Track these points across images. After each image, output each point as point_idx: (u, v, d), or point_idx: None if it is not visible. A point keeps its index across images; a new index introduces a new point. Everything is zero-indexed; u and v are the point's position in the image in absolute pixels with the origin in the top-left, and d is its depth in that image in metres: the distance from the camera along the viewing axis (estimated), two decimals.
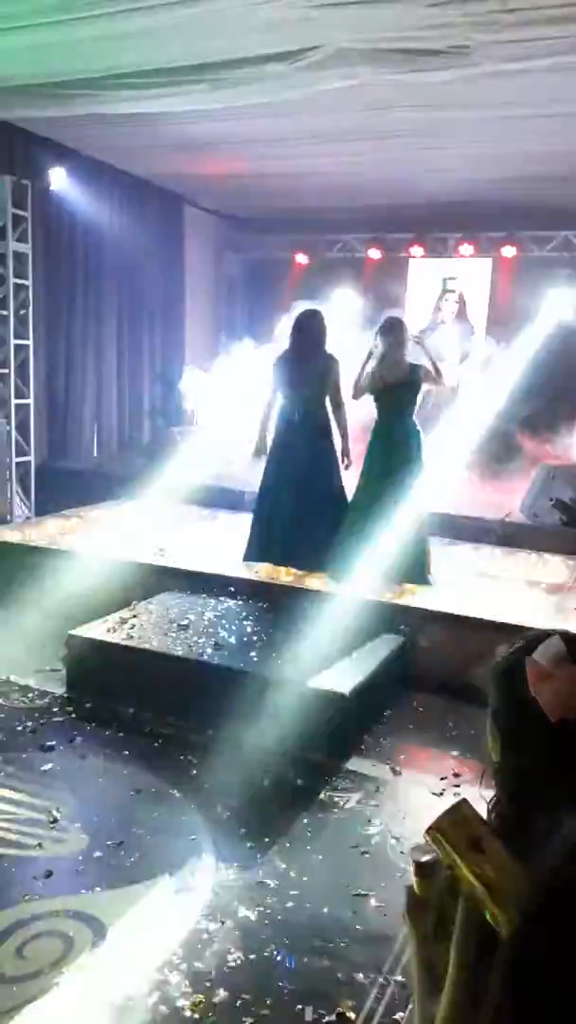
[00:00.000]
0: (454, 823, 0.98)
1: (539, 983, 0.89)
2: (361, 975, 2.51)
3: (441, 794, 3.60)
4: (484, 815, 1.05)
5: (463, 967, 1.00)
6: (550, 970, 0.89)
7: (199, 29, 4.59)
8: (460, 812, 0.99)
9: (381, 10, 4.21)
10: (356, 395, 5.41)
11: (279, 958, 2.57)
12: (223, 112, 6.04)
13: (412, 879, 1.20)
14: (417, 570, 5.34)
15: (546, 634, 1.11)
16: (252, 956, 2.57)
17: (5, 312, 6.89)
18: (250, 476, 8.19)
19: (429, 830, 1.00)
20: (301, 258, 9.87)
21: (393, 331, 5.34)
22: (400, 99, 5.53)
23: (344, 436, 5.47)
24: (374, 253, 9.53)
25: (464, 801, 1.02)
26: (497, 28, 4.28)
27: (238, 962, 2.55)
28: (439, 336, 9.22)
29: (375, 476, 5.34)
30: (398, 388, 5.30)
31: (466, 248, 9.06)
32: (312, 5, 4.21)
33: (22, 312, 7.06)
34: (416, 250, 9.38)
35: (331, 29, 4.50)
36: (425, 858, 1.16)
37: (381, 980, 2.49)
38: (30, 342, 7.16)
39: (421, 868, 1.18)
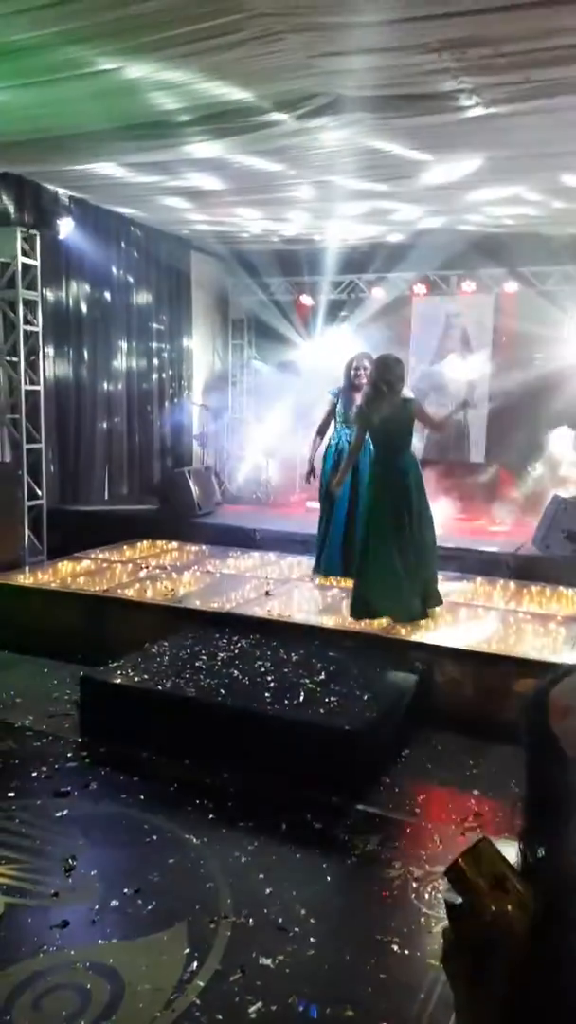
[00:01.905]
0: (474, 862, 0.97)
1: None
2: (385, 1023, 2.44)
3: (463, 835, 3.53)
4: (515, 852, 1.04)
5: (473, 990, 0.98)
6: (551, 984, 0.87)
7: (197, 80, 4.70)
8: (480, 850, 0.98)
9: (378, 58, 4.30)
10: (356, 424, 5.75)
11: (301, 1008, 2.51)
12: (226, 161, 6.17)
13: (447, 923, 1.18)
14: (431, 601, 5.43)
15: (571, 669, 1.11)
16: (274, 1006, 2.51)
17: (16, 359, 6.99)
18: (262, 516, 8.24)
19: (448, 870, 0.98)
20: (306, 299, 9.99)
21: (380, 368, 5.52)
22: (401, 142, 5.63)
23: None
24: (378, 292, 9.64)
25: (485, 839, 1.00)
26: (491, 72, 4.37)
27: (259, 1012, 2.49)
28: (446, 367, 9.34)
29: (376, 512, 5.39)
30: (391, 424, 5.36)
31: (468, 285, 9.16)
32: (311, 54, 4.32)
33: (32, 358, 7.16)
34: (419, 288, 9.48)
35: (330, 77, 4.61)
36: (459, 900, 1.14)
37: None
38: (40, 387, 7.25)
39: (453, 910, 1.15)
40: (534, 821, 1.09)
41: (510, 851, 1.08)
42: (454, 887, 0.98)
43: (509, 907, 0.93)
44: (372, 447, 5.58)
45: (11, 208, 7.11)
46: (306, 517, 8.31)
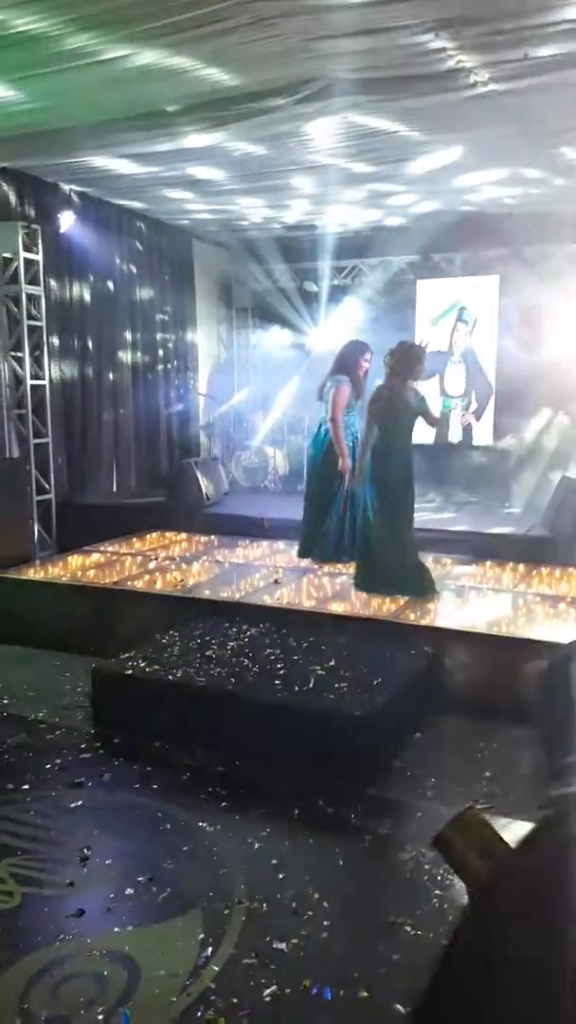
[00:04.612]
0: (461, 831, 0.97)
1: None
2: (400, 1006, 2.46)
3: None
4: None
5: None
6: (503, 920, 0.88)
7: (193, 68, 4.68)
8: (466, 820, 0.98)
9: (374, 40, 4.27)
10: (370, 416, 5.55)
11: (315, 991, 2.53)
12: (226, 150, 6.15)
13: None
14: (422, 583, 5.49)
15: None
16: (288, 989, 2.53)
17: (20, 353, 7.01)
18: (270, 505, 8.24)
19: (436, 840, 0.99)
20: (309, 286, 9.95)
21: (397, 356, 5.44)
22: (401, 122, 5.59)
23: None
24: (381, 276, 9.59)
25: (470, 809, 1.01)
26: (490, 50, 4.33)
27: (273, 995, 2.51)
28: (452, 370, 9.32)
29: (376, 496, 5.44)
30: (403, 417, 5.35)
31: (471, 266, 9.10)
32: (307, 38, 4.29)
33: (37, 353, 7.18)
34: (422, 271, 9.44)
35: (326, 60, 4.58)
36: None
37: None
38: (46, 382, 7.27)
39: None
40: (565, 780, 1.10)
41: (515, 828, 1.08)
42: (442, 856, 0.99)
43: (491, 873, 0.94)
44: (376, 434, 5.49)
45: (13, 202, 7.12)
46: None
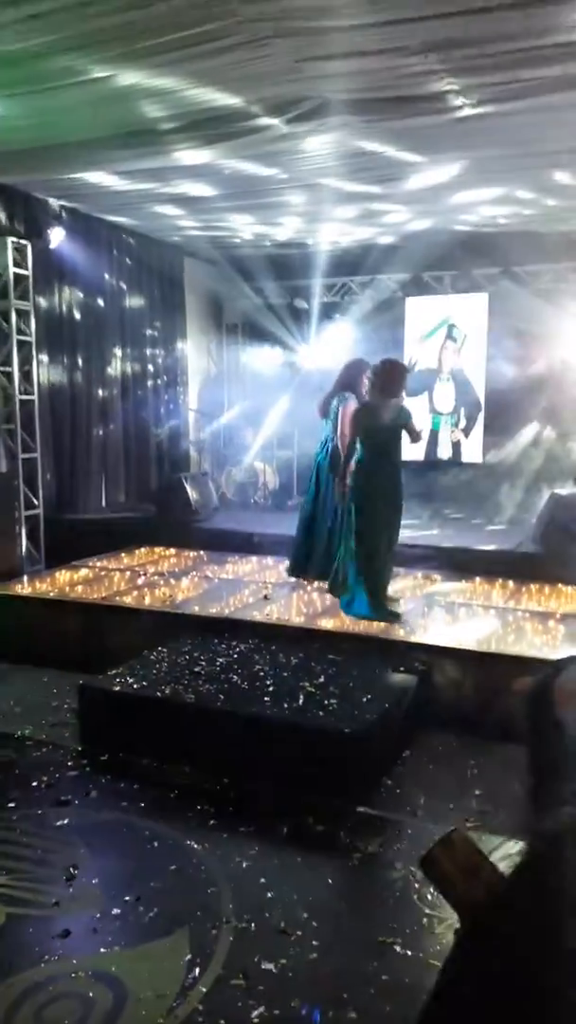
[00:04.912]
0: (448, 852, 0.97)
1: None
2: None
3: None
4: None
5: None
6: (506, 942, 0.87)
7: (186, 86, 4.71)
8: (453, 841, 0.98)
9: (364, 61, 4.32)
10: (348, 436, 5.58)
11: (303, 1012, 2.50)
12: (217, 167, 6.19)
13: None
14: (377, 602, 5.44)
15: (572, 659, 1.12)
16: (276, 1011, 2.50)
17: (9, 368, 6.99)
18: (259, 521, 8.24)
19: (422, 861, 0.98)
20: (300, 303, 10.00)
21: (379, 373, 5.47)
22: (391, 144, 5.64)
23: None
24: (371, 294, 9.65)
25: (456, 830, 1.00)
26: (478, 72, 4.39)
27: (262, 1017, 2.48)
28: (441, 389, 9.37)
29: (365, 514, 5.39)
30: (384, 432, 5.36)
31: (461, 284, 9.18)
32: (298, 59, 4.33)
33: (26, 368, 7.17)
34: (412, 288, 9.50)
35: (317, 81, 4.62)
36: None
37: None
38: (35, 397, 7.26)
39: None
40: (540, 810, 1.09)
41: (504, 846, 1.08)
42: (429, 877, 0.98)
43: (482, 895, 0.93)
44: (360, 451, 5.45)
45: (2, 218, 7.14)
46: None
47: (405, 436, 5.46)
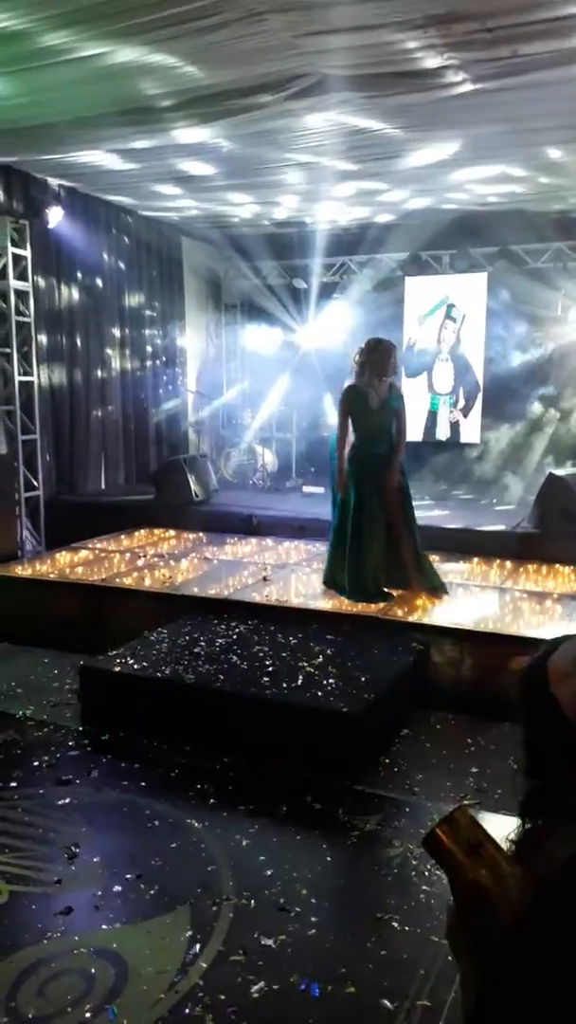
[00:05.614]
0: (450, 830, 0.97)
1: (516, 989, 0.88)
2: (387, 1001, 2.47)
3: None
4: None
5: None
6: (529, 977, 0.87)
7: (182, 63, 4.66)
8: (455, 819, 0.99)
9: (362, 36, 4.27)
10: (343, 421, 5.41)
11: (303, 987, 2.54)
12: (214, 145, 6.13)
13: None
14: (436, 578, 5.48)
15: (567, 638, 1.12)
16: (276, 986, 2.54)
17: (8, 349, 6.97)
18: (258, 502, 8.23)
19: (425, 839, 0.99)
20: (299, 283, 9.95)
21: (371, 352, 5.29)
22: (388, 121, 5.58)
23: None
24: (369, 273, 9.60)
25: (460, 808, 1.01)
26: (479, 47, 4.33)
27: (261, 992, 2.51)
28: (440, 369, 9.33)
29: (364, 499, 5.33)
30: (376, 414, 5.31)
31: (460, 264, 9.12)
32: (295, 34, 4.28)
33: (25, 349, 7.14)
34: (411, 268, 9.45)
35: (315, 56, 4.57)
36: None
37: (408, 1005, 2.45)
38: (35, 378, 7.24)
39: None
40: (535, 790, 1.09)
41: (502, 824, 1.09)
42: (431, 856, 0.99)
43: (484, 873, 0.94)
44: (351, 435, 5.33)
45: (0, 198, 7.08)
46: (303, 502, 8.33)
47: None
